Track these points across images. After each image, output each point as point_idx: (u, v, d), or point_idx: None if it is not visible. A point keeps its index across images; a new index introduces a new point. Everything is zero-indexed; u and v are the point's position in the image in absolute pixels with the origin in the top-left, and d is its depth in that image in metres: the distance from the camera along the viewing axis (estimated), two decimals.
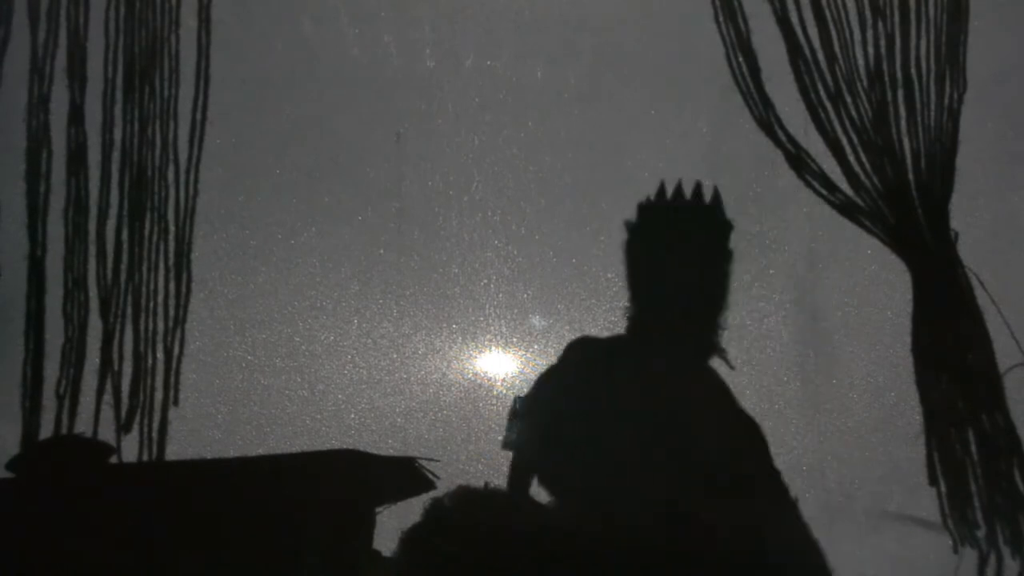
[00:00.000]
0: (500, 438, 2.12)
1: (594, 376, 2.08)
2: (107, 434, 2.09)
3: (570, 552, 1.95)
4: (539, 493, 2.04)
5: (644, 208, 2.15)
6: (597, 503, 1.98)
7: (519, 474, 2.07)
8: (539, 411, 2.10)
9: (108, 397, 2.09)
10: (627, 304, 2.13)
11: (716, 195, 2.16)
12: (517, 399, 2.11)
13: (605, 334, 2.14)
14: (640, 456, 1.98)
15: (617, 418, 2.01)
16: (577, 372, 2.10)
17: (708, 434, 2.02)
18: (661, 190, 2.15)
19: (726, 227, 2.16)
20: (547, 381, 2.11)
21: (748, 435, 2.05)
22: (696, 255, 2.16)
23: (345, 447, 2.09)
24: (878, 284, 2.19)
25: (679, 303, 2.12)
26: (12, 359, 2.10)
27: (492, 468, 2.10)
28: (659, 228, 2.16)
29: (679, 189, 2.15)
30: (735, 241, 2.19)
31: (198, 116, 2.19)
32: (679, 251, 2.15)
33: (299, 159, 2.20)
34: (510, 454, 2.10)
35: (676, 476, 1.96)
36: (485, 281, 2.18)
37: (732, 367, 2.09)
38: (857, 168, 2.20)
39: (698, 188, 2.15)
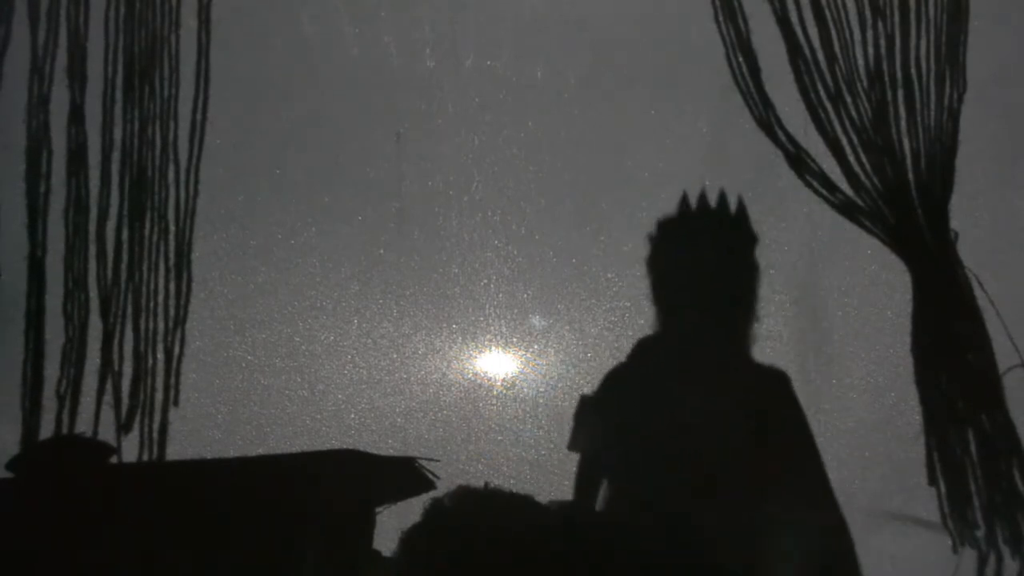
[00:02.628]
0: (501, 438, 2.12)
1: (662, 375, 2.07)
2: (107, 434, 2.09)
3: (570, 552, 1.95)
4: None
5: (667, 222, 2.14)
6: (666, 504, 1.96)
7: (588, 476, 2.04)
8: (608, 411, 2.08)
9: (108, 397, 2.09)
10: (655, 319, 2.11)
11: (741, 206, 2.15)
12: (583, 398, 2.09)
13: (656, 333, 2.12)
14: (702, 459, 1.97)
15: (681, 419, 1.99)
16: (646, 370, 2.08)
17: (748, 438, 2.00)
18: (684, 200, 2.14)
19: (751, 240, 2.15)
20: (615, 380, 2.09)
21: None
22: (723, 268, 2.14)
23: (345, 447, 2.09)
24: (878, 284, 2.19)
25: (707, 317, 2.11)
26: (12, 359, 2.10)
27: (492, 468, 2.10)
28: (683, 242, 2.14)
29: (703, 198, 2.14)
30: None
31: (198, 116, 2.19)
32: (705, 265, 2.14)
33: (299, 159, 2.20)
34: (510, 455, 2.10)
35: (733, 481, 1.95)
36: (485, 281, 2.18)
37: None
38: (857, 168, 2.20)
39: (722, 198, 2.14)
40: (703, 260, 2.14)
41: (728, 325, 2.12)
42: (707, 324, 2.11)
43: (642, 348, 2.11)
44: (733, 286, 2.14)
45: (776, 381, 2.08)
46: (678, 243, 2.14)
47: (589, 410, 2.08)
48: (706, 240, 2.15)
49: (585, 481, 2.04)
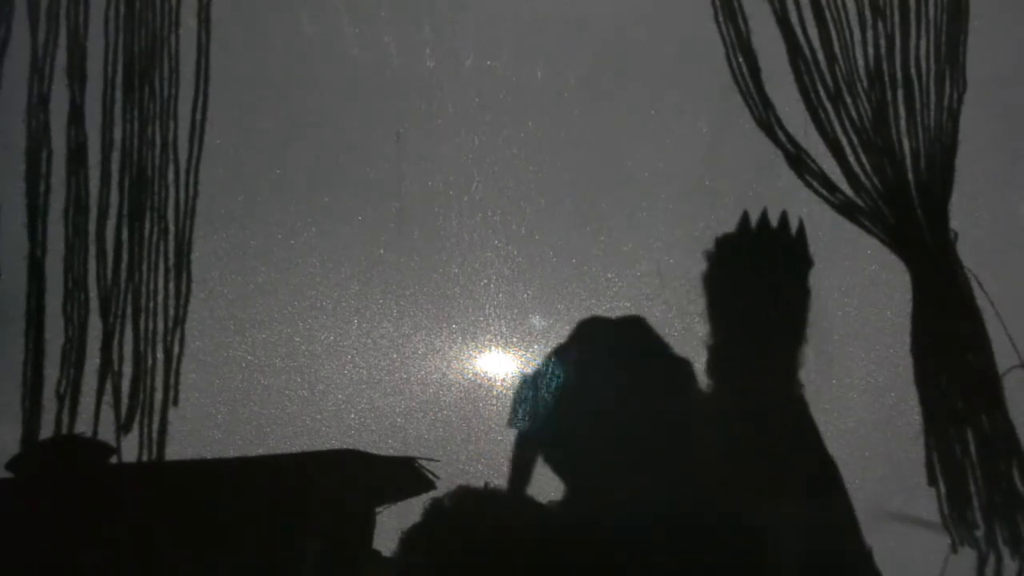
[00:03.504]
0: (501, 438, 2.12)
1: (599, 359, 2.09)
2: (107, 434, 2.09)
3: (570, 552, 1.95)
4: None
5: (725, 240, 2.15)
6: (595, 489, 2.00)
7: (522, 453, 2.07)
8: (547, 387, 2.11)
9: (108, 397, 2.09)
10: (707, 337, 2.12)
11: (801, 230, 2.15)
12: (523, 377, 2.11)
13: (616, 314, 2.13)
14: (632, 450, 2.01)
15: (620, 408, 2.03)
16: (583, 352, 2.10)
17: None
18: (744, 219, 2.15)
19: (806, 265, 2.15)
20: (554, 359, 2.12)
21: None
22: (775, 291, 2.15)
23: (345, 447, 2.09)
24: (878, 284, 2.19)
25: (756, 338, 2.12)
26: (12, 359, 2.10)
27: (492, 468, 2.10)
28: (741, 261, 2.15)
29: (764, 218, 2.15)
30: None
31: (198, 116, 2.19)
32: (760, 285, 2.15)
33: (299, 159, 2.20)
34: (509, 455, 2.10)
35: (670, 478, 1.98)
36: (485, 281, 2.18)
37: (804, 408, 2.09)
38: (857, 168, 2.20)
39: (783, 219, 2.15)
40: (761, 281, 2.14)
41: (773, 347, 2.13)
42: (745, 354, 2.12)
43: (585, 330, 2.12)
44: (787, 310, 2.14)
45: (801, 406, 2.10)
46: (737, 262, 2.14)
47: (530, 389, 2.10)
48: (766, 261, 2.15)
49: (520, 456, 2.07)
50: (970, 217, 2.20)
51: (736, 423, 2.04)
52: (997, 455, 2.08)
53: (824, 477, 2.06)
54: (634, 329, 2.12)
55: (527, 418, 2.09)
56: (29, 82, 2.19)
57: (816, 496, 2.04)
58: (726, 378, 2.09)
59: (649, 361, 2.10)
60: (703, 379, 2.09)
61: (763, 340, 2.12)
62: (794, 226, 2.16)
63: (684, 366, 2.10)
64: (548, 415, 2.10)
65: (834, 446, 2.14)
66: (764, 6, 2.24)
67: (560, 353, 2.13)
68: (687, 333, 2.17)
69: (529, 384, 2.11)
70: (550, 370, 2.11)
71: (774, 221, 2.15)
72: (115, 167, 2.17)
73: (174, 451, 2.09)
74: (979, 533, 2.07)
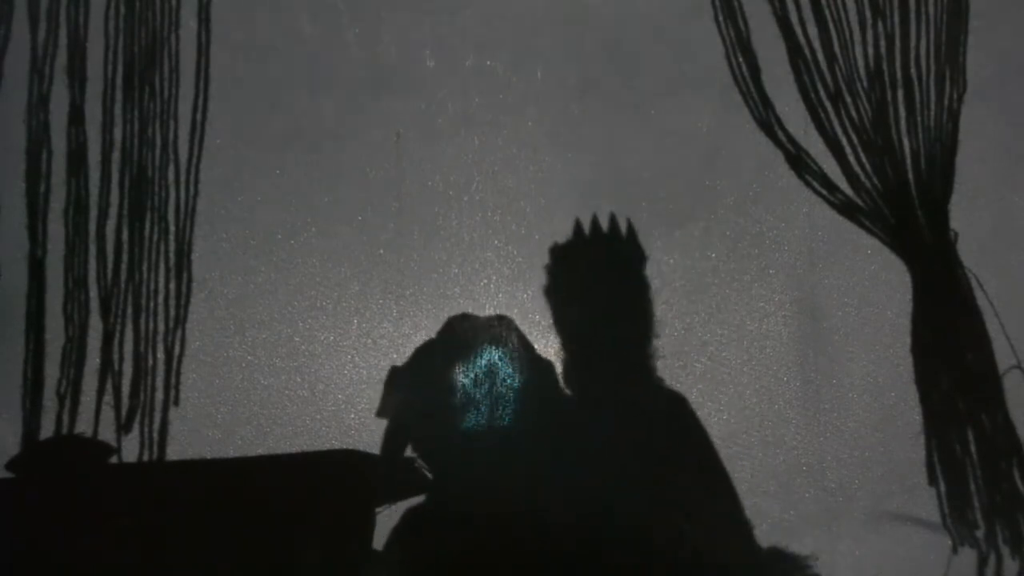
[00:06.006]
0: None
1: (465, 356, 2.10)
2: (107, 434, 2.09)
3: (568, 550, 1.95)
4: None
5: (557, 249, 2.17)
6: (462, 478, 2.05)
7: (392, 442, 2.08)
8: (412, 382, 2.11)
9: (108, 397, 2.09)
10: (559, 347, 2.14)
11: (629, 227, 2.17)
12: (393, 368, 2.11)
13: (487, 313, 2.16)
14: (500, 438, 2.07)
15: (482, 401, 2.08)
16: (450, 348, 2.12)
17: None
18: (578, 227, 2.16)
19: (640, 259, 2.17)
20: (424, 354, 2.13)
21: None
22: (610, 287, 2.18)
23: (345, 447, 2.09)
24: (878, 284, 2.20)
25: (598, 341, 2.15)
26: (12, 359, 2.10)
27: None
28: (575, 267, 2.18)
29: (595, 223, 2.16)
30: (736, 239, 2.20)
31: (198, 116, 2.19)
32: (592, 286, 2.18)
33: (299, 159, 2.20)
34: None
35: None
36: (485, 281, 2.18)
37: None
38: (857, 168, 2.20)
39: (612, 219, 2.17)
40: (591, 282, 2.17)
41: (618, 341, 2.15)
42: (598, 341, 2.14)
43: (452, 327, 2.14)
44: (622, 303, 2.16)
45: (678, 404, 2.12)
46: (568, 268, 2.17)
47: (398, 380, 2.11)
48: (592, 262, 2.18)
49: (390, 446, 2.08)
50: (970, 217, 2.20)
51: (608, 419, 2.08)
52: (997, 455, 2.08)
53: (705, 466, 2.08)
54: (502, 327, 2.14)
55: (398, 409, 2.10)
56: (29, 82, 2.19)
57: (696, 487, 2.07)
58: (588, 380, 2.11)
59: (515, 361, 2.12)
60: (565, 387, 2.12)
61: (613, 338, 2.14)
62: (624, 226, 2.17)
63: (546, 365, 2.13)
64: (415, 404, 2.12)
65: (834, 446, 2.14)
66: (764, 6, 2.24)
67: (428, 348, 2.14)
68: (687, 333, 2.17)
69: (404, 375, 2.12)
70: (421, 364, 2.12)
71: (604, 224, 2.17)
72: (115, 167, 2.17)
73: (174, 451, 2.09)
74: (979, 533, 2.07)
